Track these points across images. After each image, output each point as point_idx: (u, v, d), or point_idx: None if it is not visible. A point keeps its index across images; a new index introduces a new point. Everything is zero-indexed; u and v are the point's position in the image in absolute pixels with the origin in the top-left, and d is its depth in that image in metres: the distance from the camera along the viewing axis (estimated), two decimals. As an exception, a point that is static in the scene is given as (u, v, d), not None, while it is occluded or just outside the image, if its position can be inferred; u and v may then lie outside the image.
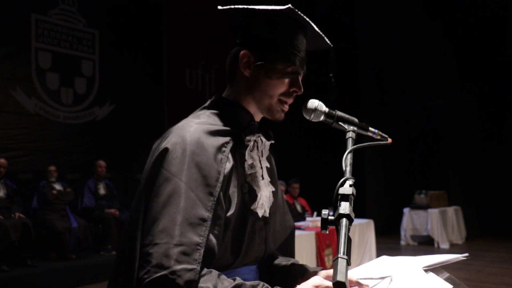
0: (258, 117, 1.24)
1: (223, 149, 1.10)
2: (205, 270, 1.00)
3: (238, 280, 1.02)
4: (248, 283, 1.02)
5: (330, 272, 1.14)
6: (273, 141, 1.29)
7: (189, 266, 0.94)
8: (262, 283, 1.04)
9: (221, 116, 1.18)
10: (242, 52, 1.17)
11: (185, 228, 0.98)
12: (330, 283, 1.01)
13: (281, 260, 1.33)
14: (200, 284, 0.96)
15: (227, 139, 1.12)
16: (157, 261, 0.94)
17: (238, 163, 1.16)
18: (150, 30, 8.19)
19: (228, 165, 1.10)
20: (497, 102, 9.49)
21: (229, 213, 1.10)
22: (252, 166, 1.20)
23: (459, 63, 9.44)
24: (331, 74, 1.27)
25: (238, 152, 1.17)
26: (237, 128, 1.17)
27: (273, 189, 1.29)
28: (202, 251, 0.97)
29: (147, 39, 8.10)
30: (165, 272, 0.93)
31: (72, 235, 5.82)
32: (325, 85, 1.25)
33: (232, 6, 1.16)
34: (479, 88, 9.46)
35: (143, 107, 7.89)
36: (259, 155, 1.23)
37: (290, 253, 1.41)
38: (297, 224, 5.54)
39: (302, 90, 1.20)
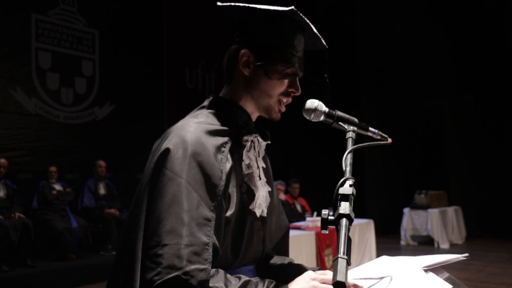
0: (254, 116, 1.24)
1: (222, 149, 1.10)
2: (213, 270, 1.00)
3: (244, 278, 1.03)
4: (254, 279, 1.03)
5: (326, 272, 1.14)
6: (269, 142, 1.29)
7: (201, 266, 0.95)
8: (267, 279, 1.05)
9: (218, 116, 1.18)
10: (242, 51, 1.17)
11: (193, 228, 0.97)
12: (324, 276, 1.02)
13: (277, 259, 1.34)
14: (212, 284, 0.96)
15: (225, 139, 1.12)
16: (168, 262, 0.94)
17: (237, 163, 1.16)
18: (150, 30, 8.18)
19: (228, 165, 1.10)
20: (497, 102, 9.48)
21: (228, 213, 1.09)
22: (249, 166, 1.20)
23: (459, 63, 9.43)
24: (325, 75, 1.27)
25: (236, 152, 1.17)
26: (234, 128, 1.17)
27: (269, 189, 1.29)
28: (210, 250, 0.97)
29: (147, 39, 8.10)
30: (178, 273, 0.93)
31: (72, 235, 5.81)
32: (321, 87, 1.25)
33: (233, 4, 1.15)
34: (479, 88, 9.46)
35: (143, 107, 7.89)
36: (256, 155, 1.23)
37: (285, 252, 1.42)
38: (297, 224, 5.54)
39: (300, 91, 1.20)
